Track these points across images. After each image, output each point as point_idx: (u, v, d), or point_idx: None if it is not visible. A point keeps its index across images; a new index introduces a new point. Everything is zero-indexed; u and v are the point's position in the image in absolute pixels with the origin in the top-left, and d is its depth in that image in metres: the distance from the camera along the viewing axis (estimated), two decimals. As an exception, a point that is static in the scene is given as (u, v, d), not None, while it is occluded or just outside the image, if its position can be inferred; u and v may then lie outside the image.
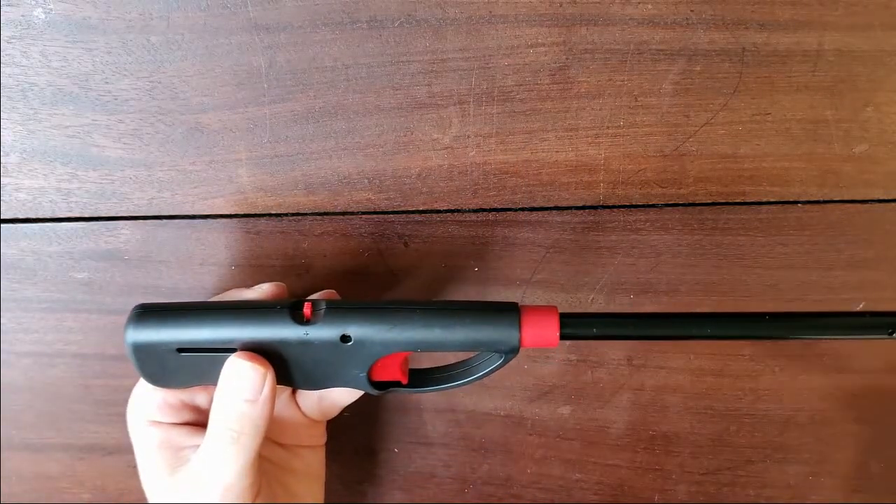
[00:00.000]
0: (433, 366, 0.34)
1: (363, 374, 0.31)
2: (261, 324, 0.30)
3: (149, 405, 0.33)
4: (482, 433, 0.41)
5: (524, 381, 0.40)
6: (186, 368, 0.31)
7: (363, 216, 0.36)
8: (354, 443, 0.41)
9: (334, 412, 0.36)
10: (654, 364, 0.40)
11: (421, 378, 0.33)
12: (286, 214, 0.36)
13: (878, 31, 0.33)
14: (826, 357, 0.40)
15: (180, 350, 0.30)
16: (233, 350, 0.30)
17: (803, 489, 0.43)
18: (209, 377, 0.31)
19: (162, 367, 0.31)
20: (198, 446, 0.32)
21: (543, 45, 0.33)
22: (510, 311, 0.30)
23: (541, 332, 0.29)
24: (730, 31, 0.33)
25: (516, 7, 0.32)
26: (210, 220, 0.36)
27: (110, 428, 0.40)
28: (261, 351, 0.30)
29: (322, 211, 0.36)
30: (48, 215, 0.36)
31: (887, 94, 0.35)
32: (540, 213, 0.37)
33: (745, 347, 0.40)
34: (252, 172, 0.35)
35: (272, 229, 0.36)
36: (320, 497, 0.37)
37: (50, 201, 0.36)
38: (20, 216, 0.36)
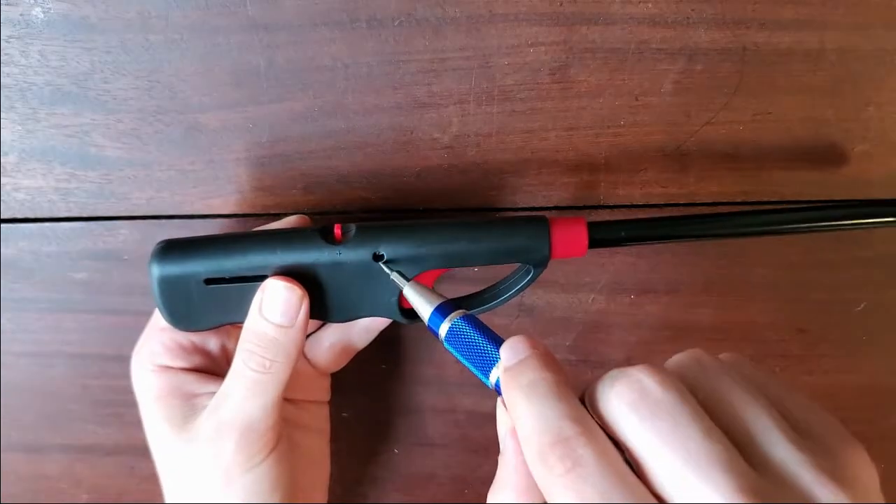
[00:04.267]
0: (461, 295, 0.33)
1: (394, 299, 0.30)
2: (292, 247, 0.29)
3: (157, 347, 0.31)
4: (482, 433, 0.41)
5: (524, 382, 0.40)
6: (214, 303, 0.29)
7: (362, 216, 0.36)
8: (354, 444, 0.41)
9: (344, 360, 0.35)
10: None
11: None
12: (285, 214, 0.36)
13: (879, 30, 0.33)
14: (826, 357, 0.40)
15: (208, 282, 0.29)
16: (262, 278, 0.29)
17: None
18: (237, 312, 0.29)
19: (188, 304, 0.29)
20: (212, 393, 0.30)
21: (543, 44, 0.33)
22: (540, 222, 0.30)
23: (570, 241, 0.30)
24: (731, 30, 0.33)
25: (516, 6, 0.32)
26: (209, 220, 0.36)
27: (109, 428, 0.40)
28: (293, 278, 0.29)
29: (320, 211, 0.36)
30: (46, 215, 0.36)
31: (889, 94, 0.35)
32: (540, 213, 0.36)
33: (747, 347, 0.40)
34: (251, 172, 0.35)
35: (271, 229, 0.36)
36: (327, 452, 0.36)
37: (48, 201, 0.35)
38: (19, 216, 0.36)
